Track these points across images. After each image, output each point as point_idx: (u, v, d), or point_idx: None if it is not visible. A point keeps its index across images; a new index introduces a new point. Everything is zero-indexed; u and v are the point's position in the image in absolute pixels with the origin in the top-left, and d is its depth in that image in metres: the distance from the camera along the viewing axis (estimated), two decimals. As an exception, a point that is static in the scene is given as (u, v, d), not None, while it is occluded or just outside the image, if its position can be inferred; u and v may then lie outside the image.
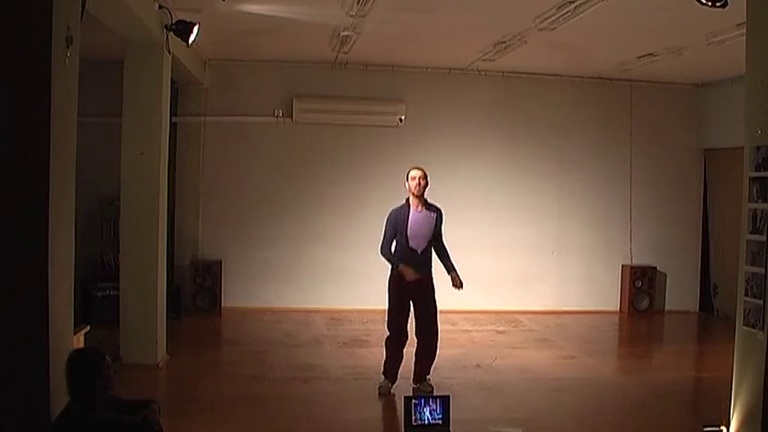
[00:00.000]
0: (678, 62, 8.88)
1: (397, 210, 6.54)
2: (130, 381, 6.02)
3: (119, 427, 3.88)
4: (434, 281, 6.59)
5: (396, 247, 6.48)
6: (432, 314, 6.59)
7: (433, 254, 6.60)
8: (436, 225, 6.54)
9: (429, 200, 6.60)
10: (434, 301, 6.60)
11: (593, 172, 10.93)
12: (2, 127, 3.91)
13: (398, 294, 6.49)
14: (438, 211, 6.59)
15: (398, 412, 5.95)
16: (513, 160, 10.78)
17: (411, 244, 6.41)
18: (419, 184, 6.45)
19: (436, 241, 6.61)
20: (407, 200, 6.54)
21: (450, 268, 6.62)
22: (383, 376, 6.63)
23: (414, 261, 6.40)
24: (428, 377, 6.66)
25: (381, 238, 6.53)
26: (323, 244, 10.36)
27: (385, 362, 6.65)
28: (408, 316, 6.60)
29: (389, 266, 6.52)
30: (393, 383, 6.60)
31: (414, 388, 6.53)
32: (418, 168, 6.53)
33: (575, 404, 6.56)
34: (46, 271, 3.95)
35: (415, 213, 6.47)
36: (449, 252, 6.66)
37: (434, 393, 6.27)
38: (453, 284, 6.60)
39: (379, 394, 6.53)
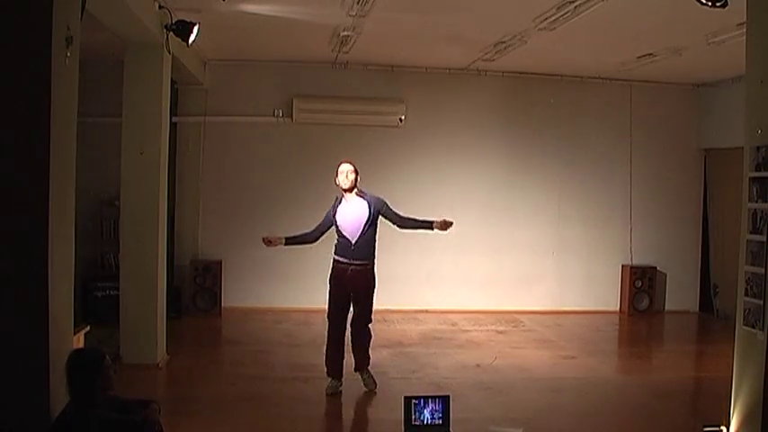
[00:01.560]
0: (678, 62, 8.88)
1: (333, 203, 6.59)
2: (130, 381, 6.03)
3: (119, 427, 3.88)
4: (375, 274, 6.56)
5: (336, 237, 6.53)
6: (365, 306, 6.57)
7: (375, 247, 6.54)
8: (371, 213, 6.42)
9: (365, 191, 6.55)
10: (371, 295, 6.58)
11: (593, 172, 10.93)
12: (2, 127, 3.91)
13: (334, 286, 6.56)
14: (373, 200, 6.49)
15: (398, 412, 5.95)
16: (514, 160, 10.78)
17: (343, 233, 6.46)
18: (347, 177, 6.46)
19: (394, 220, 6.56)
20: (341, 194, 6.54)
21: (428, 225, 6.59)
22: (329, 377, 6.58)
23: (347, 251, 6.44)
24: (368, 368, 6.65)
25: None
26: (323, 244, 10.32)
27: (325, 357, 6.63)
28: (347, 308, 6.60)
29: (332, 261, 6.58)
30: (339, 381, 6.55)
31: (356, 374, 6.63)
32: (347, 162, 6.55)
33: (575, 404, 6.56)
34: (46, 271, 3.95)
35: (345, 204, 6.50)
36: (413, 216, 6.62)
37: (435, 394, 6.24)
38: (442, 228, 6.55)
39: (327, 393, 6.50)
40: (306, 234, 6.66)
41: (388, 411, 6.25)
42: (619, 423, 6.05)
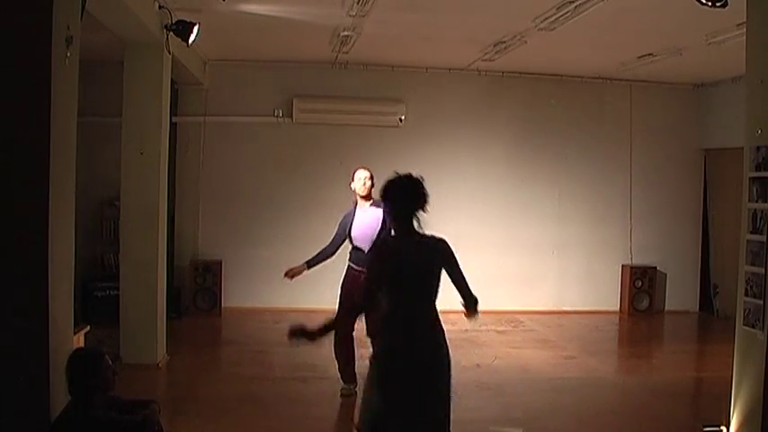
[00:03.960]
0: (678, 62, 8.88)
1: (347, 212, 6.49)
2: (130, 381, 6.01)
3: (119, 427, 3.88)
4: None
5: (350, 246, 6.44)
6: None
7: None
8: (384, 222, 6.31)
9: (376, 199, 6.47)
10: None
11: (592, 172, 10.93)
12: (2, 127, 3.91)
13: (347, 295, 6.32)
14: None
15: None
16: (513, 160, 10.77)
17: (356, 243, 6.35)
18: (364, 184, 6.38)
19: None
20: (355, 201, 6.46)
21: None
22: (342, 382, 6.52)
23: (361, 259, 6.30)
24: None
25: None
26: (323, 244, 10.28)
27: (338, 368, 6.52)
28: (356, 318, 6.44)
29: (346, 267, 6.47)
30: (354, 385, 6.43)
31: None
32: (364, 168, 6.47)
33: (575, 404, 6.56)
34: (46, 271, 3.95)
35: (360, 213, 6.40)
36: None
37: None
38: None
39: (342, 395, 6.45)
40: (324, 251, 6.53)
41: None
42: (619, 423, 6.05)
